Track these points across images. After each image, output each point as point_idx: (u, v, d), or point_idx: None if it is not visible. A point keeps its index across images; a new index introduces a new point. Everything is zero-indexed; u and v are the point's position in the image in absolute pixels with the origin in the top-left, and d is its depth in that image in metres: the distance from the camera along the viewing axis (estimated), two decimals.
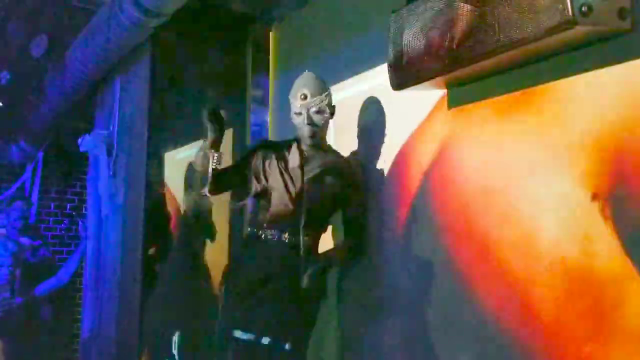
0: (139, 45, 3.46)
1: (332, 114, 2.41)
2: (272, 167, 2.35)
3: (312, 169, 2.35)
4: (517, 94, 1.91)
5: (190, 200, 3.61)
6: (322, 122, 2.36)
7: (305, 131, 2.35)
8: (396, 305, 2.31)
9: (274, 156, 2.37)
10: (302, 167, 2.33)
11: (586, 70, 1.69)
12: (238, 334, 2.13)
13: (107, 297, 3.82)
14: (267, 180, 2.34)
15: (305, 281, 2.18)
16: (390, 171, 2.42)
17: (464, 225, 2.03)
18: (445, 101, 2.18)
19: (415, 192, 2.28)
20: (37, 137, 5.31)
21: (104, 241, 4.06)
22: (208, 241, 3.57)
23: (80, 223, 5.14)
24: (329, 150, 2.47)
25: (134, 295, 3.37)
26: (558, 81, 1.78)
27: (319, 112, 2.35)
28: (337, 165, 2.39)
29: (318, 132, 2.36)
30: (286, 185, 2.30)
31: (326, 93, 2.38)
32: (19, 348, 4.64)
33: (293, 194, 2.29)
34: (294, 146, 2.40)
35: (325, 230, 2.43)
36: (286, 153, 2.39)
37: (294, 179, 2.32)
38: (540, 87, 1.83)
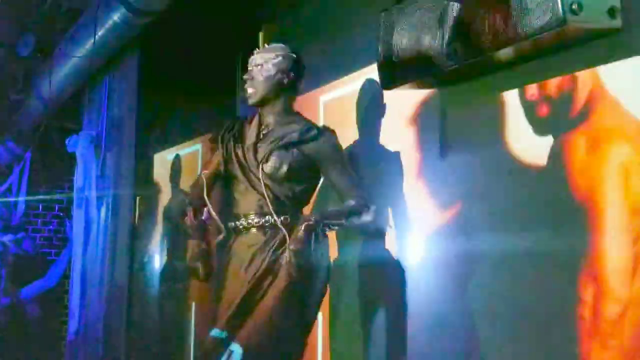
0: (127, 44, 3.43)
1: (283, 76, 2.11)
2: (229, 150, 2.13)
3: (273, 141, 2.10)
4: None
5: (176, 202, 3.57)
6: (262, 77, 2.10)
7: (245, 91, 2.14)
8: None
9: (232, 138, 2.16)
10: (255, 144, 2.11)
11: (577, 69, 1.69)
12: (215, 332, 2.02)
13: (94, 298, 3.78)
14: (226, 167, 2.13)
15: (287, 257, 1.94)
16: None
17: None
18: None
19: None
20: (25, 137, 5.25)
21: (91, 242, 4.02)
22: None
23: (67, 224, 5.09)
24: (295, 119, 2.19)
25: (121, 296, 3.33)
26: (549, 80, 1.77)
27: (259, 66, 2.10)
28: (303, 131, 2.11)
29: (258, 91, 2.10)
30: (243, 168, 2.09)
31: (278, 54, 2.13)
32: (5, 349, 4.59)
33: (253, 176, 2.08)
34: (255, 119, 2.19)
35: (307, 203, 2.21)
36: (246, 130, 2.19)
37: (249, 159, 2.09)
38: (531, 86, 1.82)
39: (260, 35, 3.39)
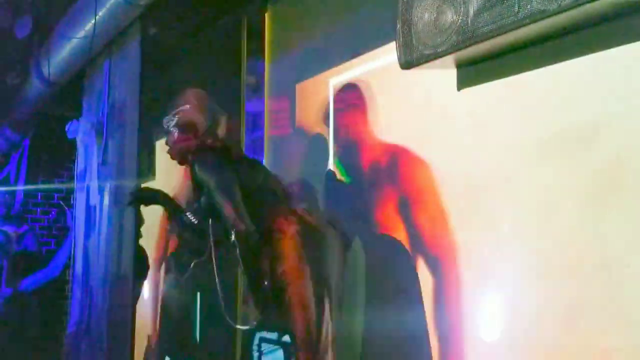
0: (129, 26, 3.31)
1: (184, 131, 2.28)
2: None
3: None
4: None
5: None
6: (172, 141, 2.29)
7: None
8: None
9: None
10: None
11: (612, 46, 1.59)
12: None
13: (97, 290, 3.69)
14: None
15: None
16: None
17: None
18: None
19: None
20: (23, 124, 5.14)
21: (93, 232, 3.92)
22: None
23: (68, 213, 5.00)
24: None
25: (126, 288, 3.25)
26: (579, 59, 1.67)
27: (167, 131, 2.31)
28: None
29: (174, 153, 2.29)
30: None
31: (174, 112, 2.30)
32: (8, 340, 4.54)
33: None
34: None
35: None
36: None
37: None
38: (560, 65, 1.72)
39: (266, 16, 3.28)
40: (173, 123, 2.27)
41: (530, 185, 1.80)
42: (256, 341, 2.09)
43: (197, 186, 2.17)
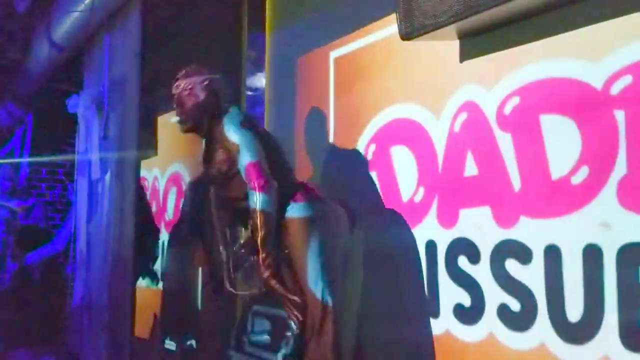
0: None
1: (209, 95, 2.16)
2: None
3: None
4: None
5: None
6: (190, 103, 2.14)
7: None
8: None
9: None
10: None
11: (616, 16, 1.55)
12: None
13: (99, 264, 3.71)
14: None
15: None
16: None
17: None
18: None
19: None
20: (25, 99, 5.13)
21: (95, 206, 3.93)
22: None
23: (70, 187, 5.01)
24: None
25: (127, 261, 3.26)
26: (591, 26, 1.63)
27: (187, 91, 2.14)
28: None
29: (188, 118, 2.15)
30: None
31: (200, 76, 2.16)
32: (14, 314, 4.59)
33: None
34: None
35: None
36: None
37: None
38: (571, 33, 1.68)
39: None
40: (187, 84, 2.15)
41: None
42: (250, 316, 2.09)
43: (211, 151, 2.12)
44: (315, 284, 1.97)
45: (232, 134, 2.05)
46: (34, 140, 5.54)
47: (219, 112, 2.14)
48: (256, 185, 1.96)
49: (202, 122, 2.14)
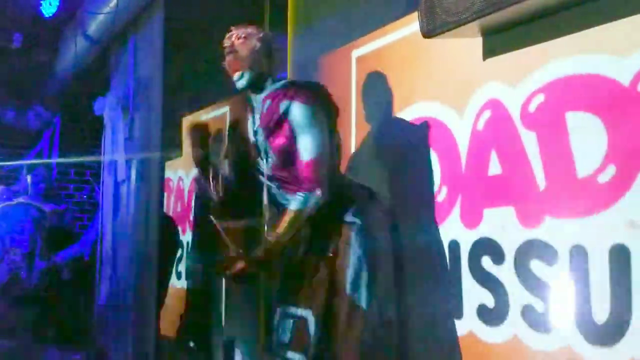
0: (152, 1, 3.30)
1: (263, 46, 2.03)
2: None
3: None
4: None
5: None
6: (246, 51, 2.00)
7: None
8: None
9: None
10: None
11: None
12: None
13: (125, 264, 3.75)
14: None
15: None
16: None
17: None
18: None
19: None
20: (53, 101, 5.22)
21: (121, 207, 3.98)
22: None
23: (97, 189, 5.08)
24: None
25: (153, 262, 3.29)
26: (617, 22, 1.59)
27: (242, 39, 2.01)
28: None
29: (244, 66, 2.00)
30: None
31: (256, 32, 2.05)
32: (41, 313, 4.66)
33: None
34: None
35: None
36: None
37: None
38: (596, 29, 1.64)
39: None
40: (242, 32, 2.02)
41: None
42: (277, 316, 2.08)
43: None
44: (352, 290, 1.93)
45: (302, 119, 1.94)
46: (62, 142, 5.63)
47: (270, 72, 2.05)
48: (308, 186, 1.91)
49: (260, 75, 2.02)
